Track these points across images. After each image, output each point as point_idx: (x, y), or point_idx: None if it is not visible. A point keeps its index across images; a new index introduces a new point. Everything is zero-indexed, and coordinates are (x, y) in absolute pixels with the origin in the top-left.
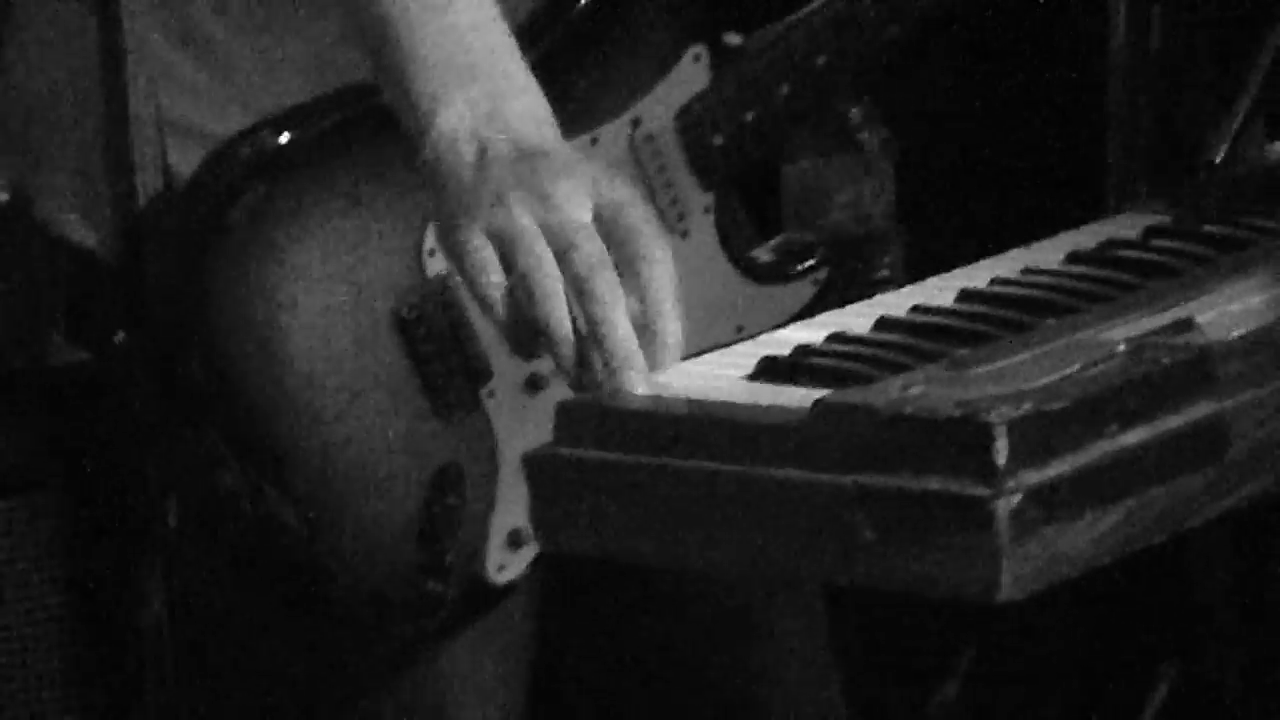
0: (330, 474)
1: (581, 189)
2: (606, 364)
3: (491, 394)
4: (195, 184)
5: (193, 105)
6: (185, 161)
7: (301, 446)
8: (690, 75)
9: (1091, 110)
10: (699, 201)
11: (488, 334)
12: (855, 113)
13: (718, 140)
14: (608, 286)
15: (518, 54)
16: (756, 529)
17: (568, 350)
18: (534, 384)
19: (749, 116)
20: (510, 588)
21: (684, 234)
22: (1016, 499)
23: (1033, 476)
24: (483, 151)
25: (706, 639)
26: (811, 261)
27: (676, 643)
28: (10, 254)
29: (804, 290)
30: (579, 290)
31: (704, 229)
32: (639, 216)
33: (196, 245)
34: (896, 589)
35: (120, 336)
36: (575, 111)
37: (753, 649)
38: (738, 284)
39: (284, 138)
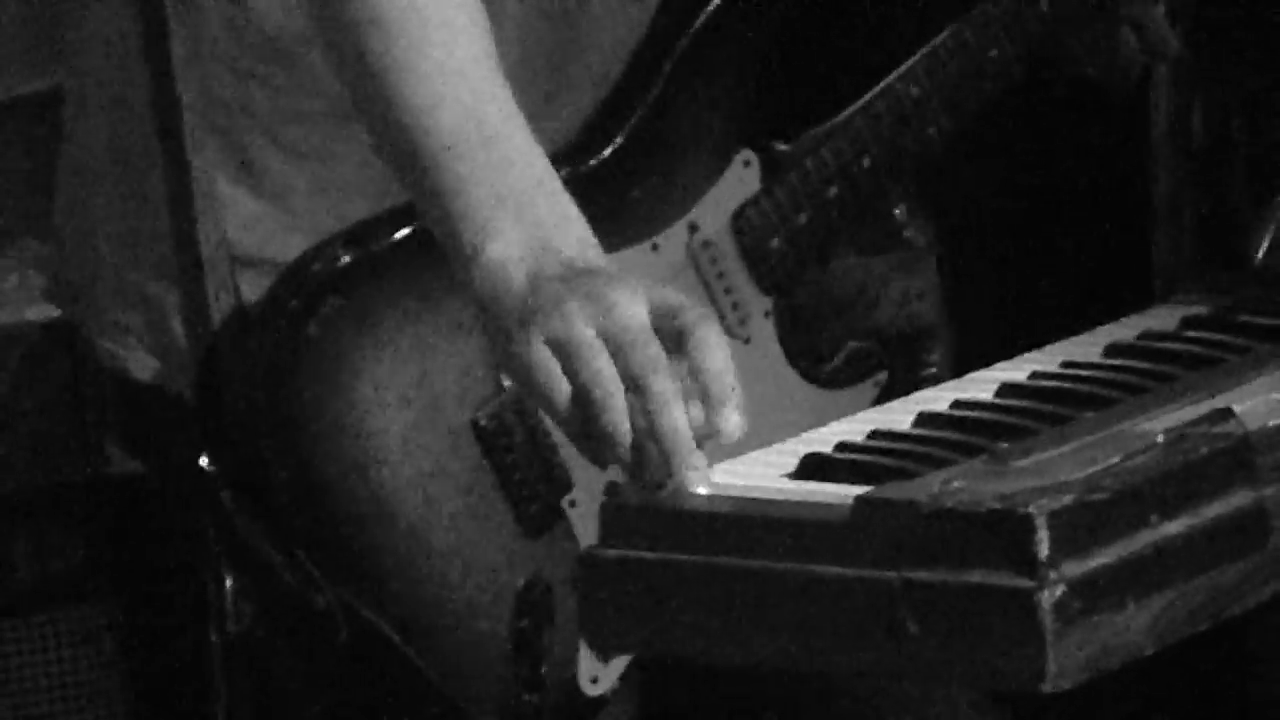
0: (422, 590)
1: (636, 293)
2: (667, 464)
3: (574, 503)
4: (270, 303)
5: (254, 236)
6: (255, 292)
7: (392, 563)
8: (741, 179)
9: (1135, 205)
10: (759, 305)
11: (567, 443)
12: (900, 210)
13: (774, 243)
14: (665, 386)
15: (560, 184)
16: (802, 625)
17: (626, 455)
18: (614, 492)
19: (802, 219)
20: (603, 701)
21: (746, 340)
22: (1059, 590)
23: (1075, 568)
24: (534, 275)
25: None
26: (873, 365)
27: None
28: (61, 369)
29: (866, 393)
30: (638, 391)
31: (765, 334)
32: (695, 315)
33: (275, 365)
34: (943, 682)
35: (206, 464)
36: (634, 219)
37: None
38: (801, 389)
39: (354, 252)
